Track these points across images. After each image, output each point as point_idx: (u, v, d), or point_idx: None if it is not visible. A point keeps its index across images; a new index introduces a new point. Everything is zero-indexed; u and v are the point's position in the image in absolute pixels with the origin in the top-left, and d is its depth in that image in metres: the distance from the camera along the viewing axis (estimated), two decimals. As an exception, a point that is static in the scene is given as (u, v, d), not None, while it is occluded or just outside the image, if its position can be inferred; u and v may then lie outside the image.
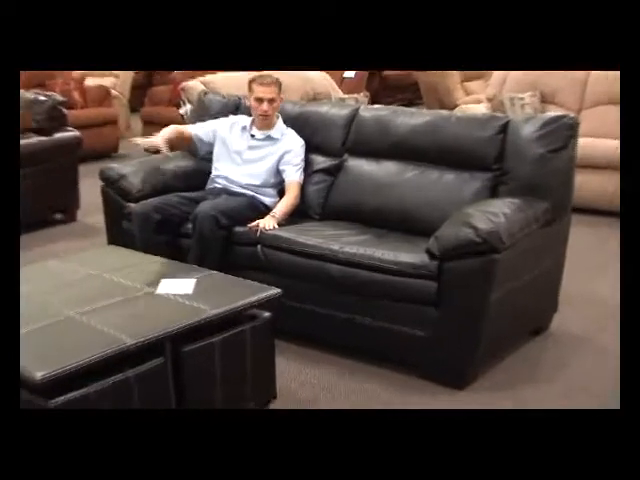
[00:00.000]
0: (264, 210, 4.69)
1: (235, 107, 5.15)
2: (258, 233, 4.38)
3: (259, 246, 4.35)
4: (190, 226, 4.38)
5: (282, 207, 4.68)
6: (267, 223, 4.49)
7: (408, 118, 4.52)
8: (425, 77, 9.15)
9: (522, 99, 6.88)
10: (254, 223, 4.49)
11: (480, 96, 7.96)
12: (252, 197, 4.78)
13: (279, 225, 4.49)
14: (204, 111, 5.19)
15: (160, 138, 4.74)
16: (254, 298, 3.22)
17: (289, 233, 4.30)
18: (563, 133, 3.95)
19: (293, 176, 4.77)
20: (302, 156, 4.79)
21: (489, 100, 7.14)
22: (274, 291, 3.31)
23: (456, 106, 7.79)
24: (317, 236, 4.23)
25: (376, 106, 5.10)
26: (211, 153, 4.99)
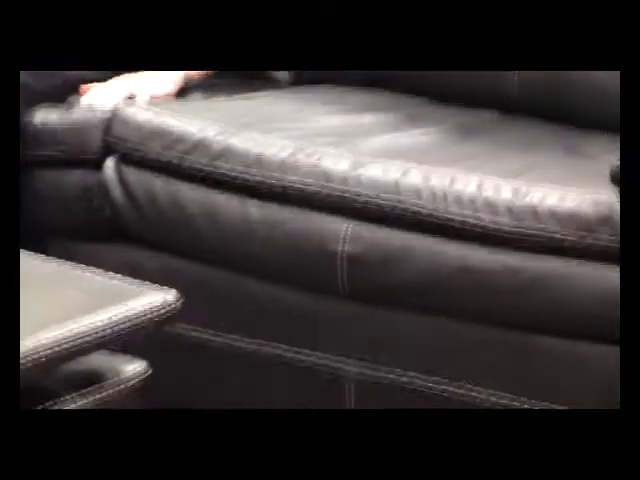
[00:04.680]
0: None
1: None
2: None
3: (110, 163, 2.11)
4: None
5: None
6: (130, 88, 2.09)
7: None
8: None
9: None
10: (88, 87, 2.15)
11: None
12: None
13: (181, 92, 2.21)
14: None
15: None
16: (99, 321, 1.54)
17: (207, 123, 1.95)
18: None
19: None
20: None
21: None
22: (158, 299, 1.58)
23: None
24: (285, 131, 2.01)
25: None
26: None
